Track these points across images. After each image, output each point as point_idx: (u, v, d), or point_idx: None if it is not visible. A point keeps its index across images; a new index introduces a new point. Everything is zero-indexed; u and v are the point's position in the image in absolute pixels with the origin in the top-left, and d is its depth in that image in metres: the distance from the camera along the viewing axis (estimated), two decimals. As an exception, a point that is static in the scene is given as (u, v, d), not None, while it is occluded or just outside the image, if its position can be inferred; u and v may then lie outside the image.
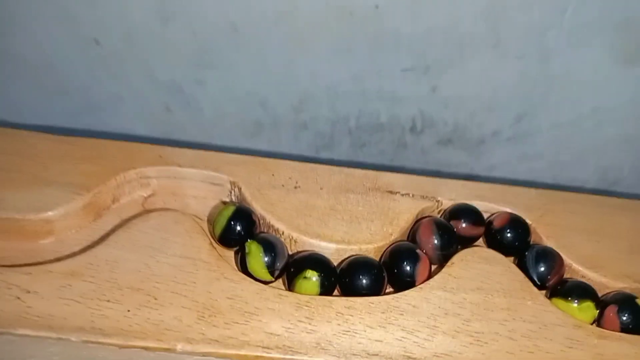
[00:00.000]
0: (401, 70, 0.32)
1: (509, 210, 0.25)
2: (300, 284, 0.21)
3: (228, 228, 0.22)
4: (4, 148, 0.24)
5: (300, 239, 0.23)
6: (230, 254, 0.23)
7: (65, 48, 0.31)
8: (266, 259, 0.21)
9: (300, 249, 0.23)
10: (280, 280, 0.22)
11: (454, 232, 0.23)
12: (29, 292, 0.19)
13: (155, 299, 0.20)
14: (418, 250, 0.22)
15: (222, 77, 0.33)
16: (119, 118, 0.35)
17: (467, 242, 0.24)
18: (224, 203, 0.23)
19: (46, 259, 0.22)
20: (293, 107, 0.34)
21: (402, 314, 0.20)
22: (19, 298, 0.19)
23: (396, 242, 0.23)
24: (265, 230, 0.23)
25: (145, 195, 0.25)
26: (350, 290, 0.21)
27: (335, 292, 0.22)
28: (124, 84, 0.33)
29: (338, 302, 0.20)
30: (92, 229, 0.23)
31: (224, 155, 0.25)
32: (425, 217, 0.24)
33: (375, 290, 0.21)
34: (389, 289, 0.22)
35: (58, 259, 0.21)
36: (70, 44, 0.31)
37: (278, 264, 0.21)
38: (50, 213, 0.22)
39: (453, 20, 0.30)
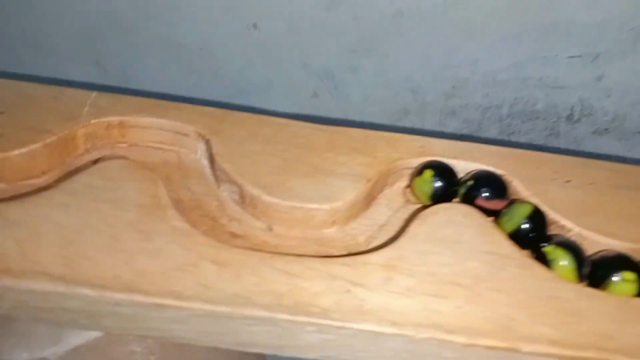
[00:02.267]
0: (567, 57, 0.31)
1: None
2: (615, 285, 0.20)
3: (522, 227, 0.21)
4: (272, 137, 0.23)
5: (589, 236, 0.22)
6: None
7: (223, 32, 0.31)
8: (575, 264, 0.20)
9: (588, 248, 0.22)
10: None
11: None
12: (355, 284, 0.19)
13: (479, 295, 0.19)
14: None
15: (377, 64, 0.32)
16: (264, 103, 0.35)
17: None
18: (514, 200, 0.22)
19: (336, 249, 0.21)
20: (445, 93, 0.33)
21: None
22: (349, 291, 0.19)
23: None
24: (550, 227, 0.22)
25: (403, 185, 0.24)
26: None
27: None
28: (277, 69, 0.33)
29: (661, 305, 0.20)
30: (367, 218, 0.23)
31: (484, 147, 0.25)
32: None
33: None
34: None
35: (370, 250, 0.20)
36: (228, 28, 0.31)
37: (585, 269, 0.21)
38: (338, 203, 0.22)
39: (631, 10, 0.28)
